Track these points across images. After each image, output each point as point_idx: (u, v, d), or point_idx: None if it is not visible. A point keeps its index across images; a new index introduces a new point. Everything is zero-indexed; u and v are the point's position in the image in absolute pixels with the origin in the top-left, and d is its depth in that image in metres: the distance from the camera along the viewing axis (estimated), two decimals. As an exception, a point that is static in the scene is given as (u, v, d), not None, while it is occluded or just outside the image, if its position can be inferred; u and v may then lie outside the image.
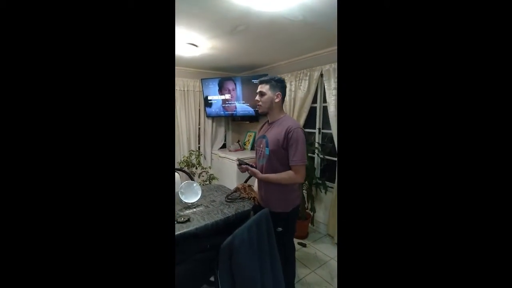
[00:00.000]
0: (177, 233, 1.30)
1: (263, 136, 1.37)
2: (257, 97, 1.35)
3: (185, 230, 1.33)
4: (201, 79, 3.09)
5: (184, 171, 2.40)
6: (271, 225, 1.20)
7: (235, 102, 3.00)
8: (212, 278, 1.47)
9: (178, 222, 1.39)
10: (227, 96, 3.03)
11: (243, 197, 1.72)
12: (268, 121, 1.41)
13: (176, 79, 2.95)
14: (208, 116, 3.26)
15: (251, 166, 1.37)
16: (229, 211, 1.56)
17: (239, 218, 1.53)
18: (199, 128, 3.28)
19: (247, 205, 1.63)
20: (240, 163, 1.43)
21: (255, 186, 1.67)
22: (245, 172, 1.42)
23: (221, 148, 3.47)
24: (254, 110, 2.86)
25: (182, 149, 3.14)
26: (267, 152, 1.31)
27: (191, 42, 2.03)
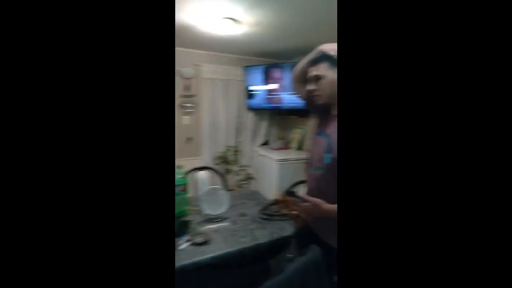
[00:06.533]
0: (188, 261, 0.94)
1: (323, 134, 0.89)
2: (311, 85, 0.89)
3: (199, 257, 0.97)
4: (244, 67, 2.76)
5: (214, 170, 2.08)
6: (326, 277, 0.75)
7: (282, 93, 2.58)
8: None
9: (193, 244, 1.04)
10: (273, 86, 2.62)
11: (284, 213, 1.29)
12: (326, 115, 0.92)
13: (216, 66, 2.69)
14: (249, 108, 2.91)
15: (303, 201, 0.88)
16: (262, 234, 1.15)
17: (274, 248, 1.11)
18: (239, 122, 2.95)
19: (287, 228, 1.20)
20: (290, 194, 1.10)
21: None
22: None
23: (262, 145, 3.08)
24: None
25: (217, 144, 2.85)
26: (327, 160, 0.83)
27: (229, 16, 1.66)
